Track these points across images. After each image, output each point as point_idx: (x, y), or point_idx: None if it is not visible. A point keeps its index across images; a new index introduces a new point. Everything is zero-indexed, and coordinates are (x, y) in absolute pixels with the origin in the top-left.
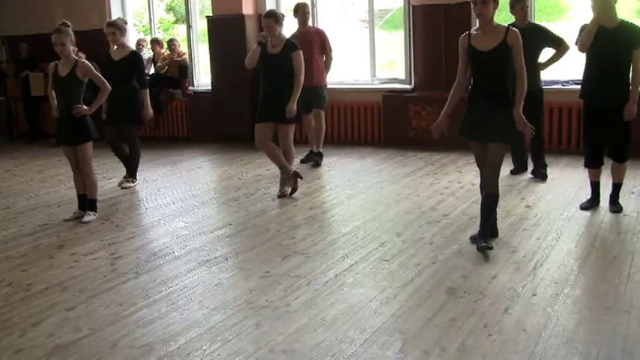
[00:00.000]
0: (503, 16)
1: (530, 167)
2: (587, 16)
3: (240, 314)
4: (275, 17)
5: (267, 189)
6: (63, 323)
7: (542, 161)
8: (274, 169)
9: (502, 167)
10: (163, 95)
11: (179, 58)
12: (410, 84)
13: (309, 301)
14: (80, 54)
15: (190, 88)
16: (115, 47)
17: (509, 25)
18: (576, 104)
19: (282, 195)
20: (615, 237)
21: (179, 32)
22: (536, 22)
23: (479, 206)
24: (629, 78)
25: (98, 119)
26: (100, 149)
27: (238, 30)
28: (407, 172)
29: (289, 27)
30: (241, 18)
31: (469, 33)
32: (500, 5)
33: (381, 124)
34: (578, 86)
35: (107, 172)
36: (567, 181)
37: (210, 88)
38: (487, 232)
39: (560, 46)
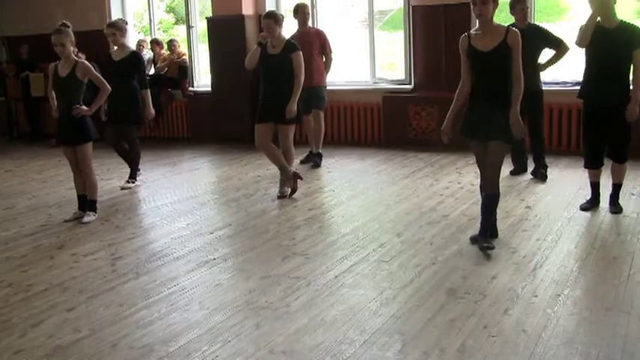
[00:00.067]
0: (503, 17)
1: (530, 168)
2: (586, 16)
3: (240, 315)
4: (275, 18)
5: (266, 190)
6: (63, 324)
7: (542, 162)
8: (274, 170)
9: (502, 168)
10: (163, 96)
11: (179, 59)
12: (410, 84)
13: (308, 302)
14: (80, 54)
15: (190, 88)
16: (115, 48)
17: (509, 25)
18: (576, 105)
19: (281, 196)
20: (615, 238)
21: (179, 33)
22: (536, 22)
23: (479, 207)
24: (628, 78)
25: (98, 120)
26: (100, 150)
27: (238, 30)
28: (407, 173)
29: (289, 28)
30: (241, 18)
31: (469, 33)
32: (500, 6)
33: (381, 124)
34: (578, 87)
35: (107, 173)
36: (567, 181)
37: (210, 88)
38: (488, 232)
39: (559, 47)
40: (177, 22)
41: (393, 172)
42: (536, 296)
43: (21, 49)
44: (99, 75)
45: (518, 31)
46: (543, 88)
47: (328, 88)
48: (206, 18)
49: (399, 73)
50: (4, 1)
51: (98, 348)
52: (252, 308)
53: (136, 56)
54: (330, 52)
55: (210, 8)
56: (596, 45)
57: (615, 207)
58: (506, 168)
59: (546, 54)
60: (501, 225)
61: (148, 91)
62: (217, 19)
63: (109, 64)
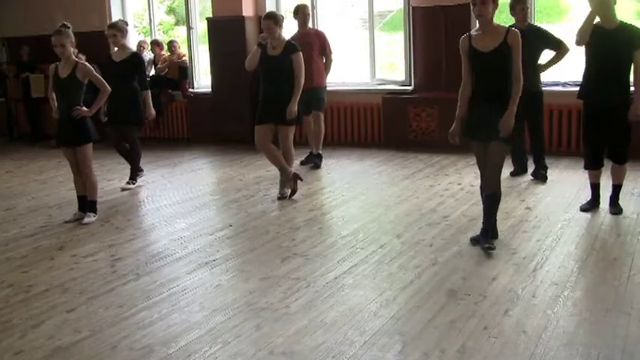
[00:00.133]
0: (503, 18)
1: (530, 169)
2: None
3: (240, 316)
4: (275, 19)
5: (267, 191)
6: (63, 325)
7: (542, 163)
8: (274, 171)
9: (502, 169)
10: (163, 97)
11: (179, 60)
12: (410, 85)
13: (308, 303)
14: (80, 55)
15: (190, 89)
16: (116, 49)
17: (509, 26)
18: (576, 106)
19: (282, 197)
20: (615, 239)
21: (179, 34)
22: (536, 23)
23: (479, 208)
24: (628, 79)
25: (98, 121)
26: (100, 151)
27: (238, 31)
28: (407, 174)
29: (289, 28)
30: (241, 19)
31: (470, 34)
32: (500, 7)
33: (381, 125)
34: (578, 88)
35: (107, 174)
36: (567, 182)
37: (210, 89)
38: (490, 233)
39: (560, 48)
40: (177, 23)
41: (393, 173)
42: (536, 297)
43: (22, 51)
44: (99, 76)
45: (518, 32)
46: (543, 89)
47: (328, 88)
48: (206, 19)
49: (399, 74)
50: (4, 2)
51: (98, 349)
52: (252, 309)
53: (136, 57)
54: (330, 53)
55: (211, 9)
56: (596, 46)
57: (615, 208)
58: (507, 169)
59: (546, 55)
60: (501, 226)
61: (149, 92)
62: (217, 20)
63: (110, 65)
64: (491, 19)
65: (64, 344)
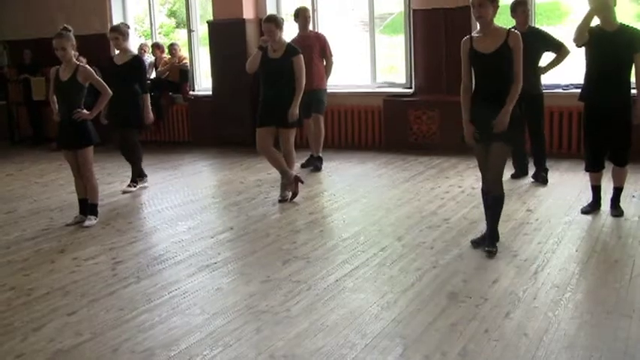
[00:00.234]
0: (504, 20)
1: (531, 171)
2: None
3: (240, 319)
4: (275, 22)
5: (267, 193)
6: (64, 328)
7: (543, 165)
8: (275, 174)
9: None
10: (164, 100)
11: (180, 63)
12: (410, 88)
13: (309, 306)
14: (81, 58)
15: (191, 92)
16: (118, 52)
17: (510, 28)
18: (577, 108)
19: (282, 199)
20: (616, 241)
21: (180, 37)
22: (537, 26)
23: (480, 211)
24: (629, 81)
25: (100, 124)
26: (101, 154)
27: (239, 34)
28: (407, 177)
29: (289, 31)
30: (242, 22)
31: (471, 36)
32: (500, 9)
33: (382, 128)
34: (579, 90)
35: (108, 177)
36: (568, 185)
37: (210, 92)
38: (494, 237)
39: (560, 51)
40: (178, 26)
41: (394, 176)
42: (537, 300)
43: (25, 55)
44: (100, 79)
45: (519, 33)
46: (544, 91)
47: (329, 91)
48: (207, 22)
49: (400, 76)
50: (5, 5)
51: (99, 352)
52: (252, 312)
53: (138, 60)
54: (331, 55)
55: (211, 12)
56: (597, 48)
57: (616, 210)
58: (507, 172)
59: (547, 57)
60: (502, 228)
61: (148, 95)
62: (218, 22)
63: (112, 67)
64: (492, 20)
65: (65, 347)
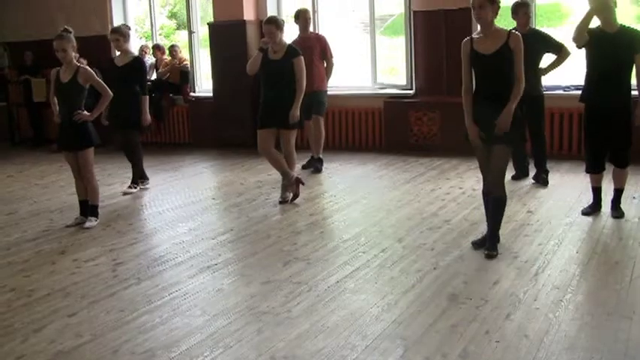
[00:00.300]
0: (504, 22)
1: (532, 173)
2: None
3: (241, 320)
4: (276, 23)
5: (268, 195)
6: (65, 329)
7: (543, 167)
8: (275, 175)
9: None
10: (165, 101)
11: (180, 64)
12: (411, 89)
13: (310, 308)
14: (82, 60)
15: (192, 94)
16: (118, 53)
17: (510, 29)
18: (577, 109)
19: (283, 201)
20: (617, 242)
21: (180, 38)
22: (537, 27)
23: (480, 212)
24: (630, 82)
25: (100, 125)
26: (102, 155)
27: (239, 36)
28: (408, 178)
29: (290, 33)
30: (242, 24)
31: (471, 37)
32: (501, 10)
33: (382, 129)
34: (579, 92)
35: (108, 178)
36: (569, 186)
37: (211, 93)
38: (495, 239)
39: (561, 52)
40: (178, 28)
41: (395, 177)
42: (537, 301)
43: (26, 57)
44: (100, 81)
45: (519, 35)
46: (544, 92)
47: (329, 93)
48: (207, 23)
49: (400, 78)
50: (5, 6)
51: (100, 353)
52: (253, 313)
53: (138, 62)
54: (331, 57)
55: (212, 14)
56: (597, 49)
57: (617, 212)
58: (508, 173)
59: (547, 59)
60: (503, 230)
61: (147, 97)
62: (219, 24)
63: (112, 69)
64: (492, 22)
65: (66, 348)
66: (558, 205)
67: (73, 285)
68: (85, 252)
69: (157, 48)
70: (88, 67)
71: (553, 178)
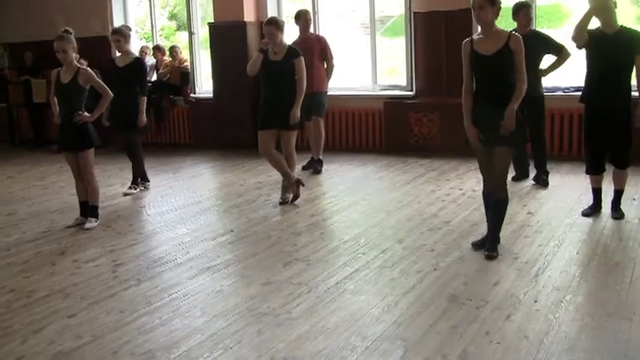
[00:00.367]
0: (504, 23)
1: (532, 174)
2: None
3: (241, 321)
4: (276, 24)
5: (268, 196)
6: (64, 330)
7: (543, 168)
8: (276, 176)
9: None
10: (165, 102)
11: (181, 65)
12: (411, 91)
13: (310, 309)
14: (82, 61)
15: (192, 95)
16: (119, 54)
17: (511, 31)
18: (577, 110)
19: (283, 202)
20: (617, 243)
21: (181, 39)
22: (538, 28)
23: (480, 213)
24: (630, 83)
25: (101, 126)
26: (102, 156)
27: (240, 37)
28: (408, 179)
29: (290, 34)
30: (243, 25)
31: (472, 38)
32: (502, 12)
33: (383, 130)
34: (579, 93)
35: (109, 179)
36: (569, 187)
37: (211, 94)
38: (496, 241)
39: (561, 53)
40: (179, 29)
41: (395, 179)
42: (537, 302)
43: (26, 57)
44: (101, 81)
45: (520, 36)
46: (544, 93)
47: (330, 94)
48: (208, 24)
49: (401, 79)
50: (5, 7)
51: (100, 354)
52: (253, 314)
53: (139, 63)
54: (332, 58)
55: (212, 15)
56: (597, 49)
57: (617, 213)
58: (508, 174)
59: (548, 60)
60: (503, 231)
61: (145, 98)
62: (219, 25)
63: (113, 70)
64: (492, 23)
65: (66, 349)
66: (558, 207)
67: (72, 286)
68: (85, 253)
69: (158, 49)
70: (88, 68)
71: (553, 179)
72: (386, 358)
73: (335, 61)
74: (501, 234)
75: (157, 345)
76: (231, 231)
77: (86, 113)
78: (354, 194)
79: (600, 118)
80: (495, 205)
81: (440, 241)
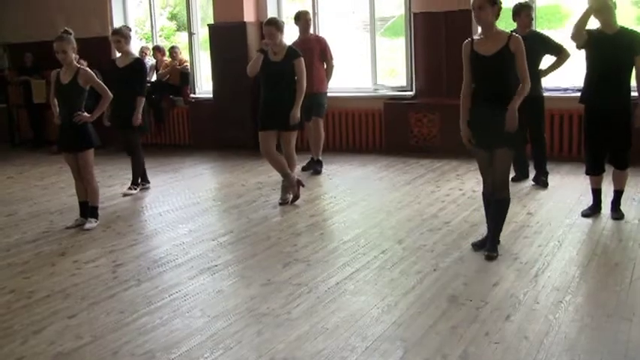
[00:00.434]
0: (504, 24)
1: (532, 175)
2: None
3: (241, 322)
4: (276, 25)
5: (268, 196)
6: (64, 331)
7: (543, 169)
8: (275, 177)
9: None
10: (165, 102)
11: (180, 66)
12: (411, 91)
13: (310, 309)
14: (82, 61)
15: (192, 95)
16: (119, 54)
17: (511, 31)
18: (577, 111)
19: (283, 202)
20: (617, 244)
21: (181, 40)
22: (538, 29)
23: (480, 214)
24: (629, 83)
25: (101, 126)
26: (102, 156)
27: (240, 37)
28: (408, 180)
29: (289, 34)
30: (242, 25)
31: (472, 39)
32: (502, 12)
33: (383, 131)
34: (579, 93)
35: (108, 180)
36: (568, 188)
37: (211, 95)
38: (496, 239)
39: (560, 54)
40: (178, 29)
41: (395, 179)
42: (537, 303)
43: (26, 58)
44: (100, 82)
45: (520, 37)
46: (544, 94)
47: (330, 94)
48: (208, 25)
49: (400, 79)
50: (5, 8)
51: (100, 355)
52: (253, 315)
53: (139, 63)
54: (331, 58)
55: (212, 15)
56: (597, 50)
57: (617, 213)
58: None
59: (547, 60)
60: (503, 231)
61: (143, 98)
62: (219, 26)
63: (113, 70)
64: (492, 23)
65: (66, 350)
66: (558, 207)
67: (73, 286)
68: (85, 253)
69: (157, 49)
70: (88, 69)
71: (553, 179)
72: (386, 358)
73: (335, 62)
74: (501, 235)
75: (157, 345)
76: (231, 231)
77: (86, 114)
78: (354, 195)
79: (600, 119)
80: (497, 205)
81: (440, 242)
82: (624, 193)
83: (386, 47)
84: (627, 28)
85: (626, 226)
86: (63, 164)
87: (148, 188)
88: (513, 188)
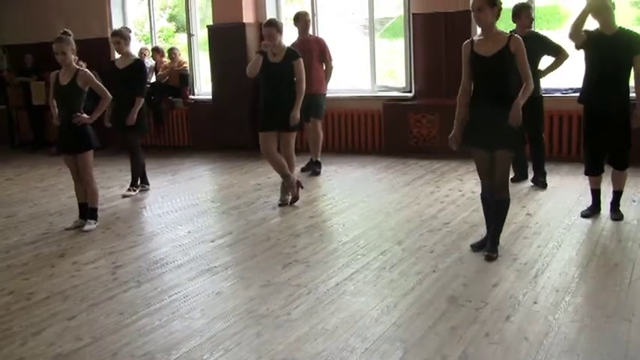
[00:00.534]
0: (503, 25)
1: (531, 175)
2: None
3: (240, 323)
4: (276, 26)
5: (267, 197)
6: (64, 332)
7: (542, 169)
8: (275, 178)
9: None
10: (164, 104)
11: (180, 67)
12: (410, 92)
13: (309, 310)
14: (81, 63)
15: (191, 96)
16: (119, 56)
17: (511, 32)
18: (576, 112)
19: (282, 203)
20: (616, 245)
21: (180, 41)
22: (537, 30)
23: (480, 214)
24: (628, 84)
25: (100, 127)
26: (101, 158)
27: (239, 38)
28: (407, 181)
29: (288, 35)
30: (242, 27)
31: (472, 39)
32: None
33: (382, 132)
34: (578, 94)
35: (108, 181)
36: (568, 188)
37: (210, 96)
38: (496, 240)
39: (559, 54)
40: (178, 31)
41: (394, 180)
42: (537, 303)
43: (26, 60)
44: (100, 83)
45: (520, 38)
46: (543, 94)
47: (329, 95)
48: (207, 26)
49: (400, 80)
50: (4, 9)
51: (99, 356)
52: (253, 316)
53: (139, 64)
54: (330, 60)
55: (211, 16)
56: (596, 50)
57: (616, 214)
58: None
59: (546, 61)
60: (502, 232)
61: (142, 99)
62: (218, 27)
63: (113, 71)
64: (492, 24)
65: (65, 352)
66: (557, 208)
67: (72, 288)
68: (84, 255)
69: (157, 51)
70: (87, 70)
71: (552, 180)
72: (385, 359)
73: (334, 63)
74: (501, 235)
75: (156, 347)
76: (231, 233)
77: (85, 115)
78: (354, 196)
79: (599, 119)
80: (497, 205)
81: (439, 243)
82: (623, 194)
83: (385, 48)
84: (626, 29)
85: (626, 226)
86: (62, 166)
87: (147, 190)
88: (513, 189)
